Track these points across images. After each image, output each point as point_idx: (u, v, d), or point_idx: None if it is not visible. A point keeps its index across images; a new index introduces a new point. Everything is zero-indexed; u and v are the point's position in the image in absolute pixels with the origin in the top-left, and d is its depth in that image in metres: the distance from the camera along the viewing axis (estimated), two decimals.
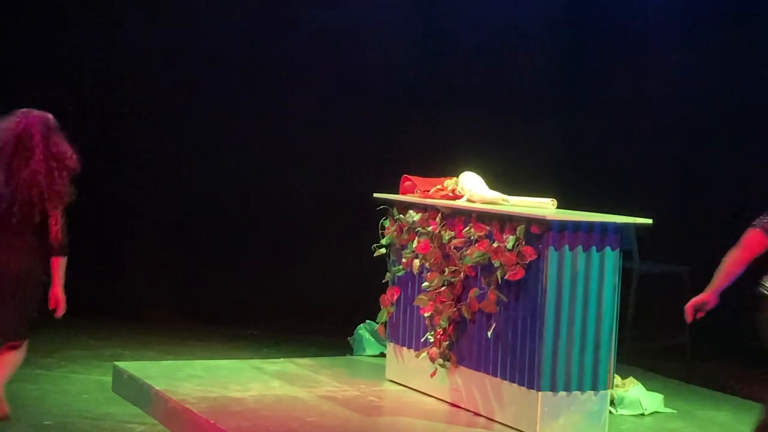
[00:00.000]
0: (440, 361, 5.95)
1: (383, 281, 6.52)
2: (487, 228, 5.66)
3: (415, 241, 6.16)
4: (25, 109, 5.24)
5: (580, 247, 5.38)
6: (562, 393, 5.40)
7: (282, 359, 7.02)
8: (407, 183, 6.46)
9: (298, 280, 8.77)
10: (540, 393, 5.36)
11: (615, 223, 5.48)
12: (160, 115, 8.85)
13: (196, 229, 8.95)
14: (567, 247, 5.35)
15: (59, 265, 5.15)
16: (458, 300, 5.85)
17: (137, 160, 8.91)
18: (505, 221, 5.56)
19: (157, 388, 5.94)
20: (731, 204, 8.64)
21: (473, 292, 5.72)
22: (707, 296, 4.86)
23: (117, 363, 6.54)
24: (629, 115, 8.82)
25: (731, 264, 4.85)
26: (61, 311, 5.18)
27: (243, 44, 8.87)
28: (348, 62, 9.01)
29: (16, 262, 5.08)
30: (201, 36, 8.83)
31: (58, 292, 5.16)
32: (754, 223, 4.97)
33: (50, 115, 5.26)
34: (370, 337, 7.26)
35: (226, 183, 8.89)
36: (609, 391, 5.55)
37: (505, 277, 5.48)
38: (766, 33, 8.49)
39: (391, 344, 6.50)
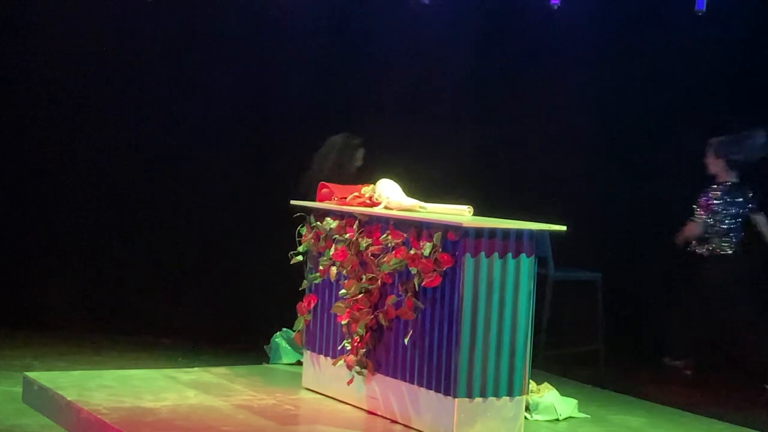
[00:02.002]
0: (357, 368, 5.94)
1: (300, 289, 6.50)
2: (404, 235, 5.67)
3: (332, 249, 6.15)
4: None
5: (496, 254, 5.42)
6: (478, 399, 5.42)
7: (197, 368, 6.95)
8: (324, 190, 6.45)
9: (213, 287, 8.70)
10: (456, 399, 5.38)
11: (530, 230, 5.52)
12: (66, 124, 8.72)
13: (107, 237, 8.82)
14: (483, 253, 5.39)
15: None
16: (375, 307, 5.85)
17: (43, 169, 8.76)
18: (422, 228, 5.58)
19: (68, 398, 5.83)
20: (644, 212, 8.81)
21: (390, 300, 5.72)
22: None
23: (27, 373, 6.41)
24: (544, 124, 8.93)
25: None
26: None
27: (152, 54, 8.77)
28: (265, 68, 8.96)
29: None
30: (107, 47, 8.71)
31: None
32: None
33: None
34: (287, 345, 7.23)
35: (138, 190, 8.78)
36: (524, 397, 5.59)
37: (422, 284, 5.50)
38: (671, 42, 8.67)
39: (308, 352, 6.48)
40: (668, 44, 8.72)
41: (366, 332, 5.89)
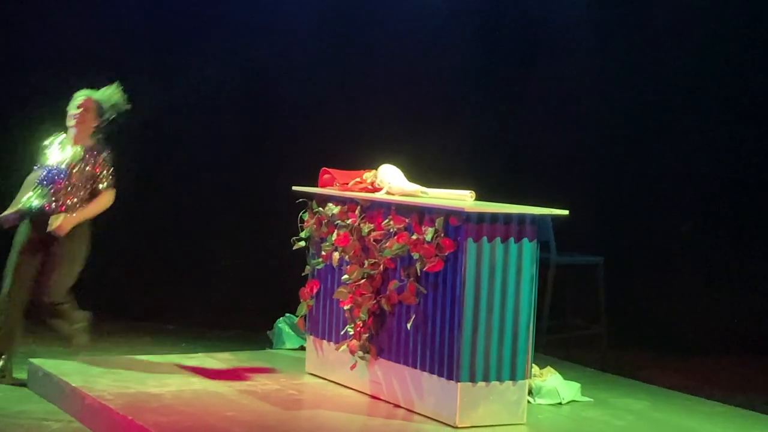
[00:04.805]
0: (360, 353, 5.96)
1: (303, 274, 6.51)
2: (406, 220, 5.68)
3: (335, 234, 6.16)
4: None
5: (498, 239, 5.43)
6: (481, 383, 5.44)
7: (200, 354, 6.97)
8: (326, 176, 6.46)
9: (217, 273, 8.72)
10: (459, 384, 5.40)
11: (532, 214, 5.53)
12: (62, 104, 8.68)
13: (111, 222, 8.80)
14: (485, 238, 5.40)
15: None
16: (378, 292, 5.87)
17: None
18: (424, 213, 5.59)
19: (73, 384, 5.85)
20: (645, 196, 8.81)
21: (392, 285, 5.74)
22: None
23: (32, 360, 6.44)
24: (545, 109, 8.92)
25: None
26: None
27: (156, 34, 8.76)
28: (267, 56, 8.96)
29: None
30: (111, 25, 8.70)
31: None
32: None
33: None
34: (290, 331, 7.25)
35: (142, 175, 8.78)
36: (527, 381, 5.61)
37: (424, 269, 5.51)
38: (673, 29, 8.66)
39: (311, 337, 6.50)
40: (670, 30, 8.70)
41: (368, 317, 5.91)
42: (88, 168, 6.40)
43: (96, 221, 8.66)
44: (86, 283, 8.59)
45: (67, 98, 6.55)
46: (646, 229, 8.81)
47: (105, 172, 6.45)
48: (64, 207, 6.31)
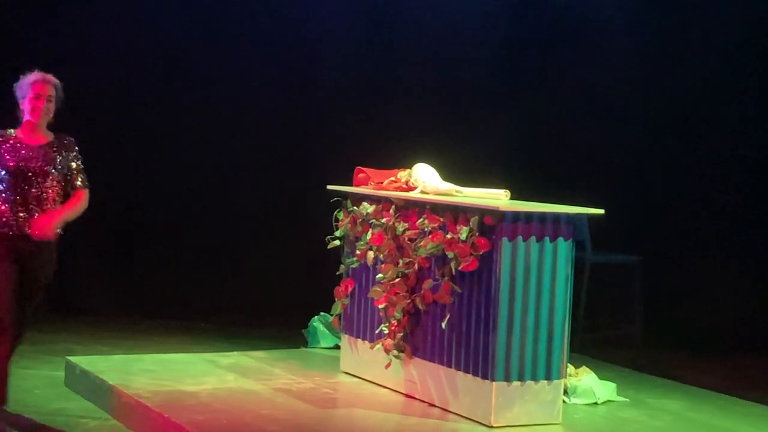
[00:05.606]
0: (395, 352, 5.97)
1: (337, 273, 6.52)
2: (441, 219, 5.68)
3: (369, 233, 6.17)
4: None
5: (533, 238, 5.41)
6: (516, 383, 5.43)
7: (236, 352, 7.00)
8: (361, 175, 6.47)
9: (252, 272, 8.74)
10: (494, 383, 5.38)
11: (567, 213, 5.51)
12: (106, 106, 8.75)
13: (146, 221, 8.88)
14: (520, 237, 5.38)
15: None
16: (412, 291, 5.87)
17: (81, 153, 8.79)
18: (459, 212, 5.59)
19: (110, 382, 5.89)
20: (682, 196, 8.75)
21: (427, 284, 5.73)
22: None
23: (69, 358, 6.49)
24: (581, 106, 8.87)
25: None
26: None
27: (193, 33, 8.80)
28: (301, 54, 8.98)
29: None
30: (150, 24, 8.75)
31: None
32: None
33: None
34: (325, 330, 7.26)
35: (177, 174, 8.83)
36: (562, 381, 5.59)
37: (459, 268, 5.50)
38: (702, 23, 8.59)
39: (346, 336, 6.51)
40: (701, 22, 8.62)
41: (403, 316, 5.91)
42: (62, 164, 5.55)
43: (135, 222, 8.81)
44: (123, 282, 8.73)
45: None
46: (683, 227, 8.75)
47: (79, 167, 5.62)
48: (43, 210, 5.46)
